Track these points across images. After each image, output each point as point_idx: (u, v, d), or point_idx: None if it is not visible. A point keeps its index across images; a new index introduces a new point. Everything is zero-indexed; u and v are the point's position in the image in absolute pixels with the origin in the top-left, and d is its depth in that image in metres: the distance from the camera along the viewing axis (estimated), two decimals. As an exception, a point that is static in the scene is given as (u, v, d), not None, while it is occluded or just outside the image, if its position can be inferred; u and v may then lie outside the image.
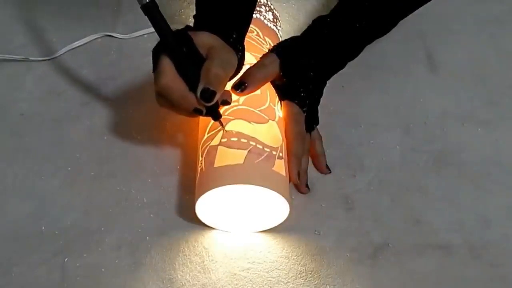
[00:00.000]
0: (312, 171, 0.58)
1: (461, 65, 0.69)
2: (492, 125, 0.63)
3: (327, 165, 0.58)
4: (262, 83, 0.53)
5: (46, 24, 0.71)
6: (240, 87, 0.52)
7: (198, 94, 0.47)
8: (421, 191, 0.57)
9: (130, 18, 0.72)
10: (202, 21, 0.50)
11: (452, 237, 0.54)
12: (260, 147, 0.49)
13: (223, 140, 0.50)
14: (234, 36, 0.50)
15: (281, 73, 0.53)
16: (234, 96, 0.52)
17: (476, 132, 0.62)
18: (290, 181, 0.52)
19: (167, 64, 0.47)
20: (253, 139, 0.50)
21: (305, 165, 0.56)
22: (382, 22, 0.56)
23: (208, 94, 0.46)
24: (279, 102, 0.55)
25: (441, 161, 0.59)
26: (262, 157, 0.49)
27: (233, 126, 0.50)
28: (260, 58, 0.54)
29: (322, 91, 0.58)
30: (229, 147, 0.49)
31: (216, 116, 0.50)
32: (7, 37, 0.70)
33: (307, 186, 0.56)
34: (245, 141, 0.49)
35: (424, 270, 0.52)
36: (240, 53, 0.50)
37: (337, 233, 0.54)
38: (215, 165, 0.48)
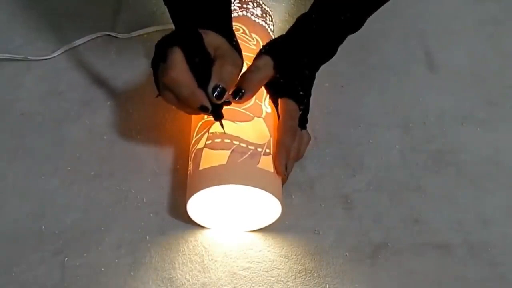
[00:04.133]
0: (312, 170, 0.58)
1: (461, 65, 0.69)
2: (491, 125, 0.63)
3: (286, 168, 0.52)
4: (259, 87, 0.52)
5: (45, 23, 0.71)
6: (238, 94, 0.50)
7: (210, 90, 0.46)
8: (420, 190, 0.57)
9: (130, 17, 0.72)
10: (204, 21, 0.49)
11: (451, 236, 0.54)
12: (244, 145, 0.49)
13: (207, 142, 0.50)
14: (235, 39, 0.50)
15: (277, 75, 0.53)
16: None
17: (475, 132, 0.62)
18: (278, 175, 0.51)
19: (179, 57, 0.46)
20: (237, 138, 0.50)
21: (291, 162, 0.54)
22: (366, 10, 0.55)
23: (219, 91, 0.46)
24: (267, 98, 0.55)
25: (440, 160, 0.60)
26: (246, 155, 0.49)
27: (217, 127, 0.50)
28: (253, 60, 0.53)
29: (311, 86, 0.57)
30: (213, 148, 0.49)
31: (219, 116, 0.49)
32: (7, 36, 0.70)
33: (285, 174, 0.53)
34: (229, 141, 0.50)
35: (423, 269, 0.52)
36: (241, 58, 0.50)
37: (337, 232, 0.54)
38: (200, 168, 0.49)
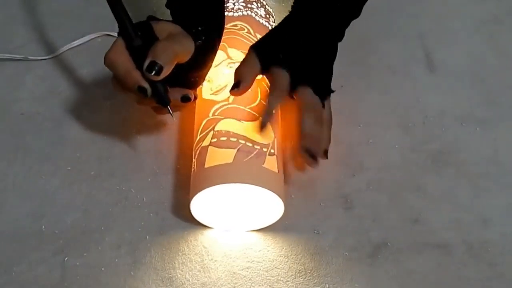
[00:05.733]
0: (313, 170, 0.58)
1: (460, 64, 0.69)
2: (491, 125, 0.63)
3: (326, 150, 0.52)
4: (253, 76, 0.52)
5: (45, 23, 0.71)
6: (236, 86, 0.50)
7: (144, 67, 0.47)
8: (420, 190, 0.57)
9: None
10: (171, 16, 0.51)
11: (450, 236, 0.54)
12: (250, 145, 0.50)
13: (213, 141, 0.50)
14: (199, 28, 0.51)
15: (258, 59, 0.51)
16: (223, 95, 0.53)
17: (475, 132, 0.62)
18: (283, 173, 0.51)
19: (118, 42, 0.48)
20: (243, 137, 0.50)
21: (324, 133, 0.52)
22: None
23: (154, 67, 0.46)
24: None
25: (439, 160, 0.60)
26: (252, 155, 0.49)
27: (223, 125, 0.51)
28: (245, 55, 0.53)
29: (324, 55, 0.55)
30: (218, 147, 0.49)
31: (164, 101, 0.49)
32: (7, 36, 0.70)
33: (325, 154, 0.51)
34: (235, 140, 0.50)
35: (423, 269, 0.52)
36: (200, 42, 0.50)
37: (336, 232, 0.54)
38: (206, 166, 0.49)
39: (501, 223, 0.55)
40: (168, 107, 0.50)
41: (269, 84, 0.53)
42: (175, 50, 0.48)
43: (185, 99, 0.52)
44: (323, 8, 0.54)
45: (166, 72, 0.47)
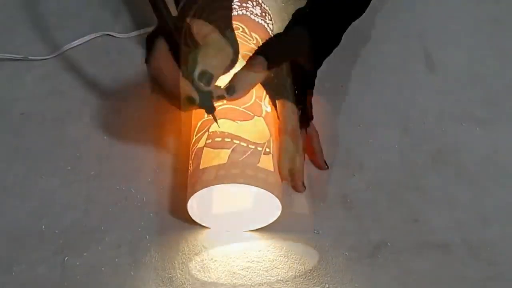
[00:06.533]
0: (311, 169, 0.58)
1: (460, 65, 0.69)
2: (491, 125, 0.63)
3: (325, 161, 0.57)
4: (251, 86, 0.52)
5: (45, 23, 0.71)
6: (229, 91, 0.50)
7: (196, 76, 0.45)
8: (419, 190, 0.57)
9: (130, 17, 0.72)
10: (197, 11, 0.49)
11: (450, 236, 0.54)
12: (244, 144, 0.50)
13: (208, 142, 0.50)
14: (229, 30, 0.50)
15: (272, 75, 0.52)
16: None
17: (475, 132, 0.62)
18: (282, 180, 0.52)
19: (162, 46, 0.46)
20: (237, 137, 0.50)
21: (300, 164, 0.54)
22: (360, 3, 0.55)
23: (206, 76, 0.45)
24: (267, 97, 0.55)
25: (439, 160, 0.60)
26: (246, 154, 0.49)
27: (217, 126, 0.50)
28: (247, 60, 0.52)
29: (313, 83, 0.57)
30: (213, 147, 0.50)
31: (210, 109, 0.48)
32: (7, 36, 0.70)
33: (303, 184, 0.55)
34: (229, 140, 0.50)
35: (423, 268, 0.52)
36: (234, 49, 0.50)
37: (336, 232, 0.54)
38: (201, 167, 0.49)
39: (501, 223, 0.55)
40: (214, 114, 0.49)
41: (278, 113, 0.53)
42: (223, 61, 0.47)
43: (220, 98, 0.50)
44: (333, 19, 0.54)
45: (215, 81, 0.46)
